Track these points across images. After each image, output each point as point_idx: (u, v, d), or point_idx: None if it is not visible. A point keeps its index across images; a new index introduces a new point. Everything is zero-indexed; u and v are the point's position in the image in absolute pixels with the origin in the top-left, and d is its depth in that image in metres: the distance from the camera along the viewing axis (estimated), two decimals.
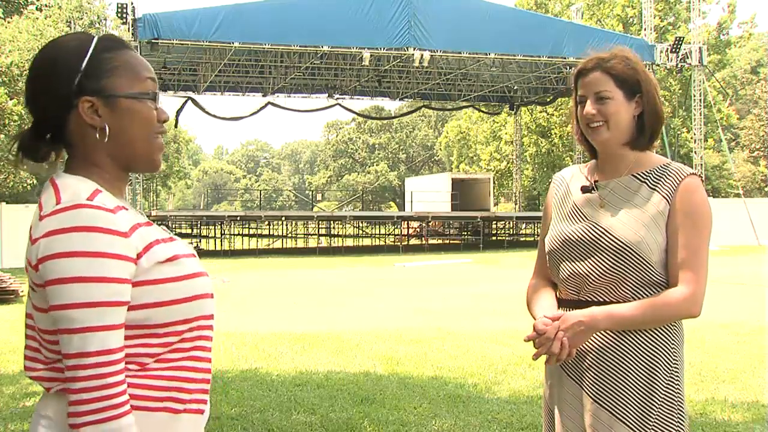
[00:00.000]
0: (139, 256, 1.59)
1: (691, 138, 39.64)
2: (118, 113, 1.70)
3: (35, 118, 1.72)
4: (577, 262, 2.47)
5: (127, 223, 1.60)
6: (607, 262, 2.41)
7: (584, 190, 2.54)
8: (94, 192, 1.61)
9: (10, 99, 23.78)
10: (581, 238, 2.47)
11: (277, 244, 42.39)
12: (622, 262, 2.39)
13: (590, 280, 2.44)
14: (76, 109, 1.67)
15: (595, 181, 2.53)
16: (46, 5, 28.37)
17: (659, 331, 2.41)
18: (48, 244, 1.54)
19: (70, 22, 27.78)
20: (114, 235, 1.55)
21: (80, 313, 1.51)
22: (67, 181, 1.64)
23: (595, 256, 2.43)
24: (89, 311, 1.51)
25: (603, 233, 2.43)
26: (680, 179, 2.41)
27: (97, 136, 1.68)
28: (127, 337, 1.59)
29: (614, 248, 2.40)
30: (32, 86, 1.72)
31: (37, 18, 25.67)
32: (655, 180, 2.44)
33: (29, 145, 1.71)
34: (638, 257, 2.37)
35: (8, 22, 25.42)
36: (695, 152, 37.17)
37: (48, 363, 1.64)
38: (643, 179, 2.46)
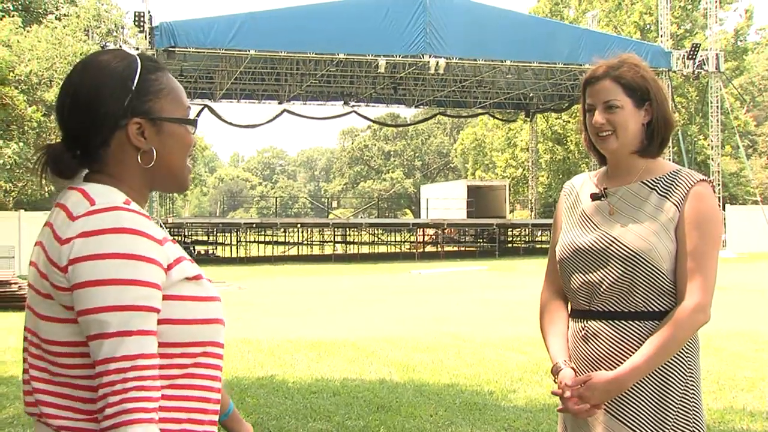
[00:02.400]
0: (169, 267, 1.55)
1: (708, 145, 39.46)
2: (162, 137, 1.67)
3: (70, 135, 1.65)
4: (587, 271, 2.45)
5: (160, 233, 1.57)
6: (618, 270, 2.38)
7: (594, 197, 2.52)
8: (127, 199, 1.58)
9: (29, 106, 23.97)
10: (591, 247, 2.45)
11: (293, 251, 42.48)
12: (633, 271, 2.36)
13: (601, 290, 2.42)
14: (123, 129, 1.63)
15: (605, 189, 2.52)
16: (65, 14, 28.64)
17: None
18: (82, 244, 1.48)
19: (88, 30, 28.02)
20: (150, 239, 1.51)
21: (113, 316, 1.45)
22: (96, 188, 1.60)
23: (606, 265, 2.41)
24: (122, 315, 1.45)
25: (613, 242, 2.41)
26: (690, 186, 2.39)
27: (139, 158, 1.65)
28: None
29: (624, 256, 2.38)
30: (74, 104, 1.64)
31: (55, 27, 25.90)
32: (665, 187, 2.42)
33: (59, 161, 1.64)
34: (649, 265, 2.35)
35: (27, 32, 25.66)
36: (712, 159, 37.01)
37: (57, 386, 1.54)
38: (652, 186, 2.44)
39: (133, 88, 1.64)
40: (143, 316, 1.47)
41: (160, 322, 1.52)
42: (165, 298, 1.53)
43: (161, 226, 1.68)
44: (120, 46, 29.31)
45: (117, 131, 1.63)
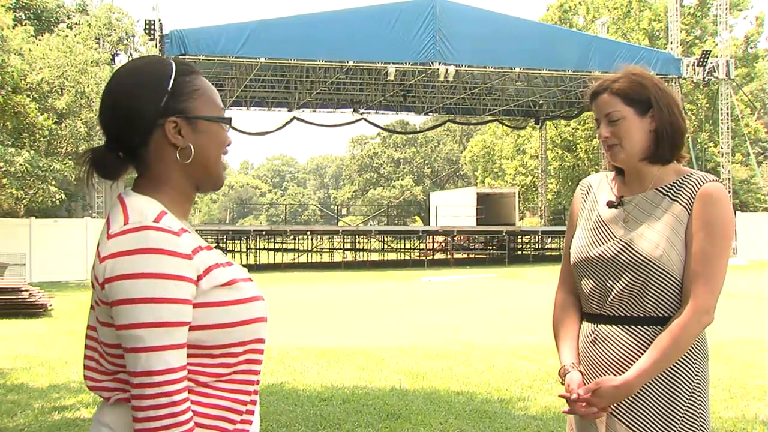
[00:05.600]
0: (199, 278, 1.63)
1: (719, 152, 39.34)
2: (197, 135, 1.75)
3: (112, 136, 1.75)
4: (599, 277, 2.47)
5: (189, 246, 1.64)
6: (629, 276, 2.40)
7: (610, 205, 2.55)
8: (160, 214, 1.65)
9: (41, 114, 24.09)
10: (603, 254, 2.47)
11: (303, 259, 42.50)
12: (644, 276, 2.38)
13: (612, 294, 2.44)
14: (160, 128, 1.72)
15: (621, 197, 2.54)
16: (76, 23, 28.78)
17: None
18: (114, 265, 1.58)
19: (99, 39, 28.16)
20: (177, 256, 1.59)
21: (146, 332, 1.56)
22: (135, 201, 1.68)
23: (617, 272, 2.43)
24: (155, 331, 1.56)
25: (624, 248, 2.42)
26: (699, 186, 2.40)
27: (177, 156, 1.73)
28: None
29: (636, 263, 2.39)
30: (113, 106, 1.74)
31: (66, 36, 26.03)
32: (676, 191, 2.44)
33: (104, 163, 1.75)
34: (661, 271, 2.36)
35: (39, 40, 25.79)
36: (722, 166, 36.90)
37: (110, 374, 1.70)
38: (665, 192, 2.46)
39: (169, 88, 1.73)
40: (173, 331, 1.59)
41: (198, 328, 1.64)
42: (198, 306, 1.64)
43: (197, 233, 1.75)
44: (131, 54, 29.48)
45: (155, 131, 1.72)
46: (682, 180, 2.45)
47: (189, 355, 1.63)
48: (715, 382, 7.58)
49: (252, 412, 1.75)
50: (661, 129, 2.46)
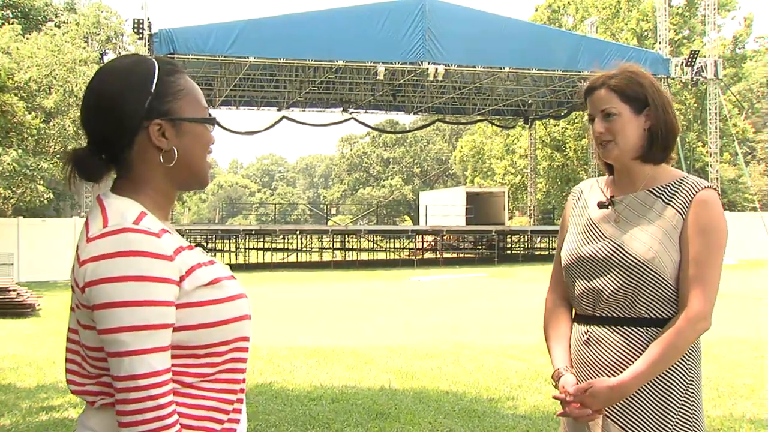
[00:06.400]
0: (182, 278, 1.62)
1: (707, 152, 39.48)
2: (182, 136, 1.73)
3: (95, 138, 1.72)
4: (591, 278, 2.47)
5: (171, 247, 1.62)
6: (621, 278, 2.40)
7: (600, 205, 2.54)
8: (140, 215, 1.63)
9: (28, 113, 24.00)
10: (595, 255, 2.47)
11: (292, 258, 42.43)
12: (636, 279, 2.38)
13: (604, 296, 2.43)
14: (145, 131, 1.69)
15: (612, 197, 2.53)
16: (64, 22, 28.67)
17: None
18: (95, 268, 1.56)
19: (87, 38, 28.05)
20: (159, 258, 1.57)
21: (129, 336, 1.54)
22: (114, 203, 1.66)
23: (609, 273, 2.43)
24: (138, 334, 1.54)
25: (616, 249, 2.42)
26: (694, 192, 2.40)
27: (161, 158, 1.71)
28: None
29: (628, 264, 2.39)
30: (97, 108, 1.71)
31: (54, 35, 25.93)
32: (670, 194, 2.43)
33: (87, 166, 1.71)
34: (652, 273, 2.36)
35: (27, 39, 25.69)
36: (710, 166, 37.04)
37: (93, 378, 1.68)
38: (658, 194, 2.45)
39: (153, 90, 1.71)
40: (156, 334, 1.57)
41: (182, 329, 1.62)
42: (182, 306, 1.62)
43: (178, 233, 1.73)
44: (119, 54, 29.36)
45: (139, 133, 1.70)
46: (676, 183, 2.45)
47: (173, 356, 1.61)
48: (703, 381, 7.60)
49: (239, 411, 1.74)
50: (655, 128, 2.46)
